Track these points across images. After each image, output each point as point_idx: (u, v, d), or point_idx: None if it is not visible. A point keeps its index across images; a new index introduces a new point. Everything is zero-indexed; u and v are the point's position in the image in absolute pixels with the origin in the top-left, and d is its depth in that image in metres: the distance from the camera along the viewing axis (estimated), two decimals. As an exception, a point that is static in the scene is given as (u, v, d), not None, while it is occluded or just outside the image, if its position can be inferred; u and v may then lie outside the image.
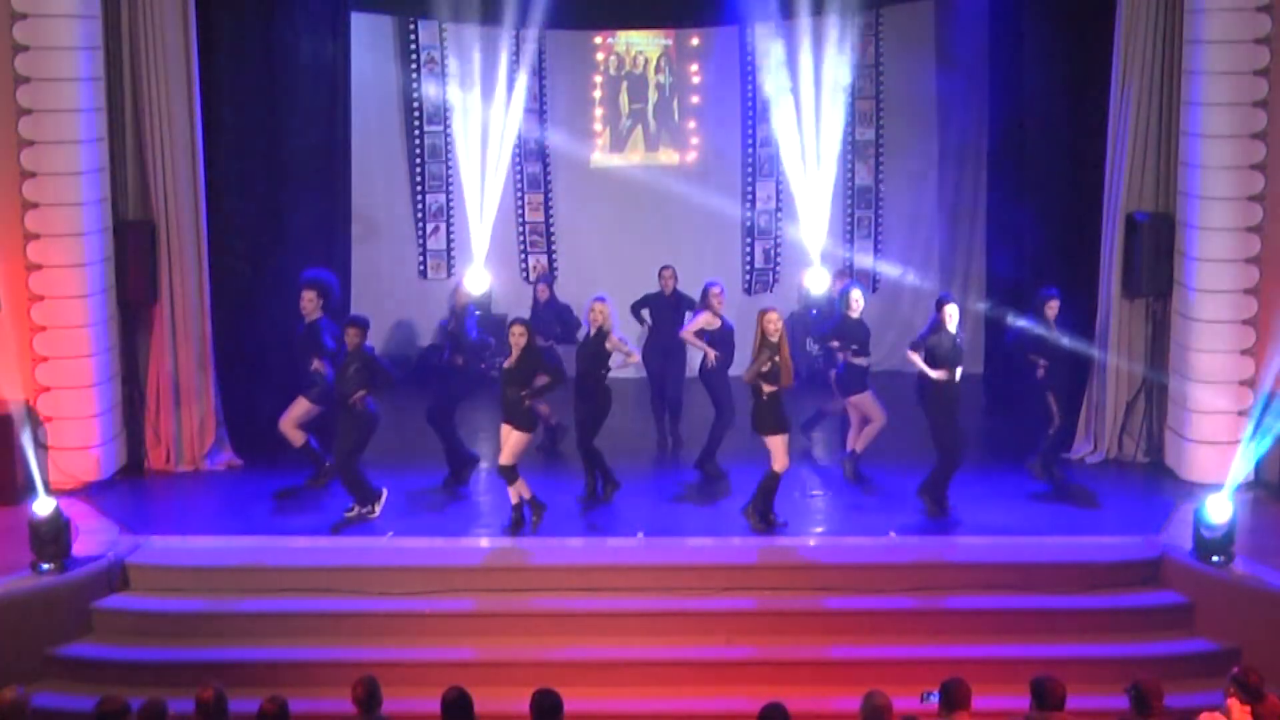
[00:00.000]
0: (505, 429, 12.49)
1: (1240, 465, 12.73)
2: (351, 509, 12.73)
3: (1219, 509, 11.54)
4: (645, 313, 14.87)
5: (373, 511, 12.76)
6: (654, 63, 17.44)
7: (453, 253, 17.47)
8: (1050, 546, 12.24)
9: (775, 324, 12.25)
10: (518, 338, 12.45)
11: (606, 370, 13.07)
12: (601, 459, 13.15)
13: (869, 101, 17.35)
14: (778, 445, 12.33)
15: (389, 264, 17.43)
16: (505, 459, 12.46)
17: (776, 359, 12.18)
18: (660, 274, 14.87)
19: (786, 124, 16.34)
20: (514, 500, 12.55)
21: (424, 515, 13.02)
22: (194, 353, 14.12)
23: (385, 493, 12.91)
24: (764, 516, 12.47)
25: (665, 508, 13.19)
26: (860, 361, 13.54)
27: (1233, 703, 8.38)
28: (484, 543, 12.43)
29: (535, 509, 12.55)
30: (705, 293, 13.86)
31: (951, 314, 12.72)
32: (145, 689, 9.38)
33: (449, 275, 17.32)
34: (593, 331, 13.02)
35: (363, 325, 12.79)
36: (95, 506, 13.00)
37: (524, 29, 16.70)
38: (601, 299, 13.09)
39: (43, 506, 11.59)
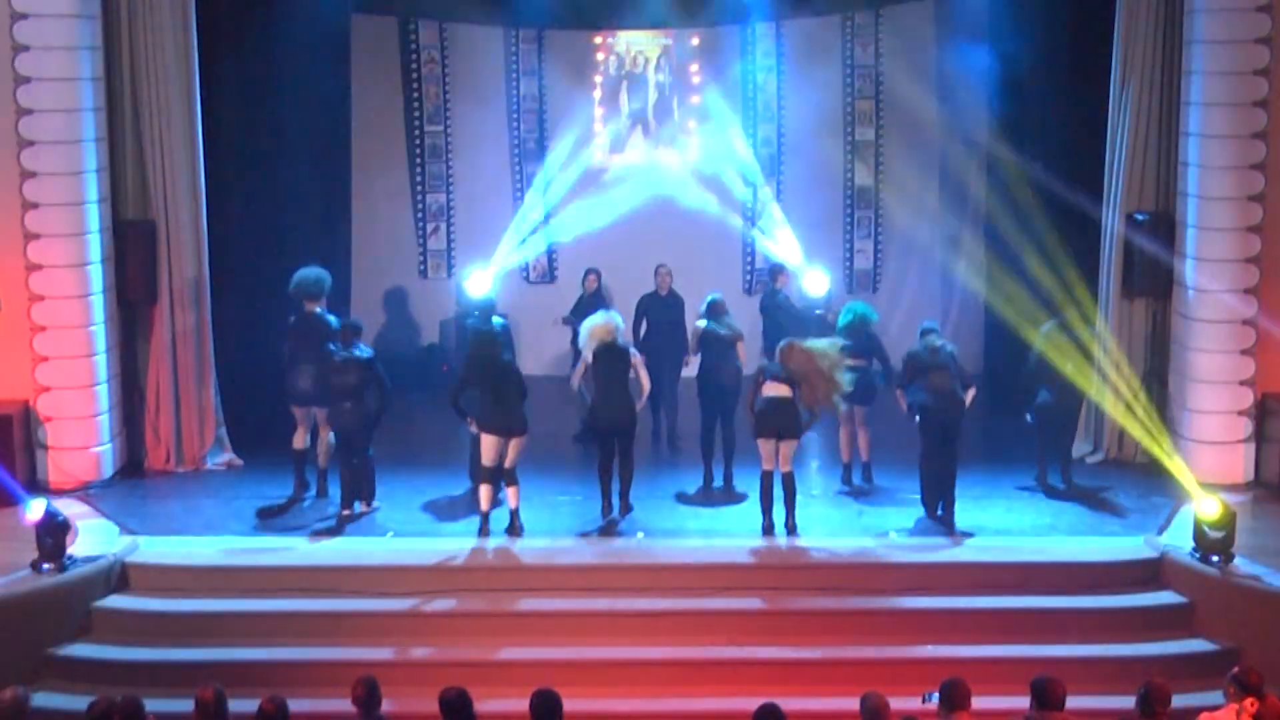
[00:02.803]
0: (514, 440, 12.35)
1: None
2: (349, 511, 12.73)
3: (1217, 509, 11.56)
4: (643, 323, 14.83)
5: (366, 511, 12.80)
6: (654, 63, 17.43)
7: (453, 253, 17.47)
8: (1050, 546, 12.25)
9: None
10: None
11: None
12: (629, 483, 12.89)
13: (869, 101, 17.36)
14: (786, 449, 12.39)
15: (389, 264, 17.44)
16: (511, 463, 12.40)
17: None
18: (656, 272, 14.85)
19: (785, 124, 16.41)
20: (514, 505, 12.45)
21: (424, 515, 13.02)
22: (194, 353, 14.12)
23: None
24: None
25: (665, 508, 13.19)
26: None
27: (1233, 702, 8.38)
28: (484, 543, 12.41)
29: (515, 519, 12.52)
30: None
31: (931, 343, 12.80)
32: (145, 689, 9.37)
33: (449, 275, 17.33)
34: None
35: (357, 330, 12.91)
36: (95, 506, 13.00)
37: (524, 29, 16.76)
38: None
39: (35, 507, 11.58)
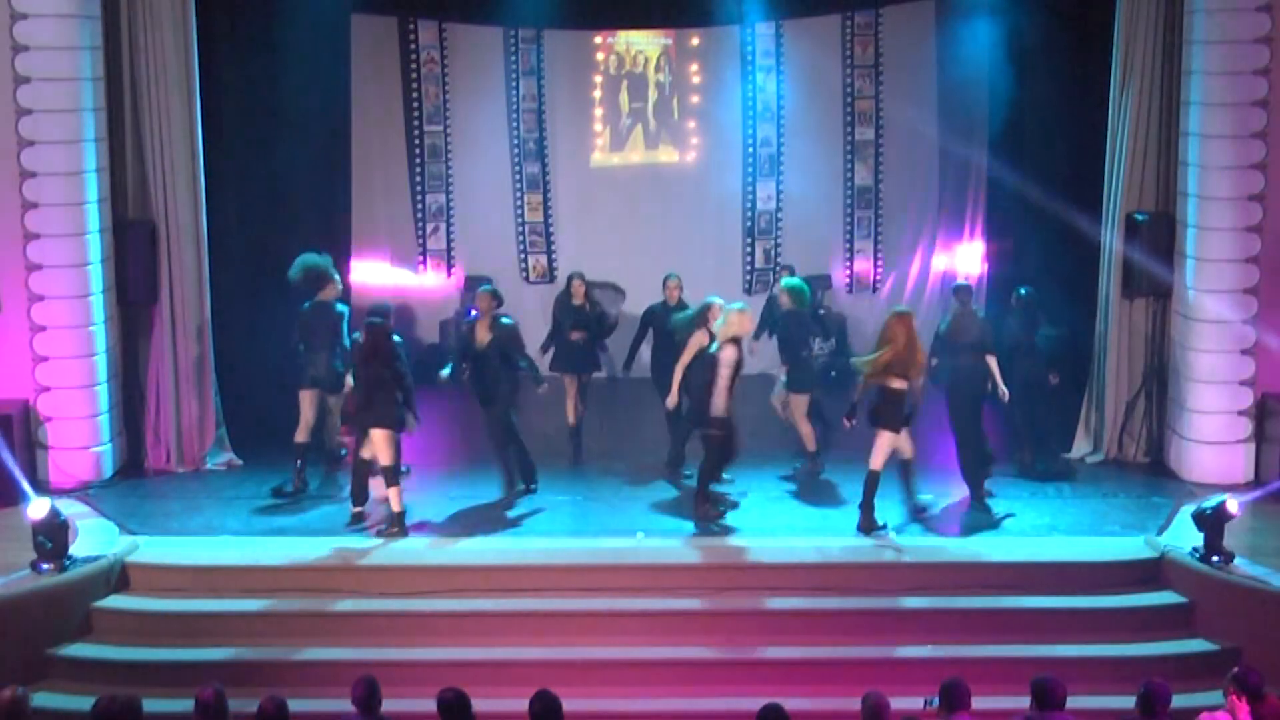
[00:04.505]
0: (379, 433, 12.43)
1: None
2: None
3: (1217, 509, 11.57)
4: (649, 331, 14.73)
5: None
6: (654, 62, 17.44)
7: (452, 252, 17.47)
8: (1050, 546, 12.25)
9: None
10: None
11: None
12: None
13: (869, 101, 17.36)
14: (883, 442, 12.41)
15: (389, 264, 17.43)
16: (382, 461, 12.51)
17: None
18: (665, 284, 14.69)
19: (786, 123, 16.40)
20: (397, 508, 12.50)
21: (423, 515, 13.02)
22: (194, 353, 14.12)
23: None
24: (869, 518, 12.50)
25: (665, 508, 13.19)
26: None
27: (1233, 702, 8.39)
28: (484, 543, 12.41)
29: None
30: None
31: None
32: (145, 689, 9.37)
33: (449, 275, 17.35)
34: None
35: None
36: (95, 506, 13.00)
37: (524, 29, 16.77)
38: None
39: (37, 507, 11.57)
